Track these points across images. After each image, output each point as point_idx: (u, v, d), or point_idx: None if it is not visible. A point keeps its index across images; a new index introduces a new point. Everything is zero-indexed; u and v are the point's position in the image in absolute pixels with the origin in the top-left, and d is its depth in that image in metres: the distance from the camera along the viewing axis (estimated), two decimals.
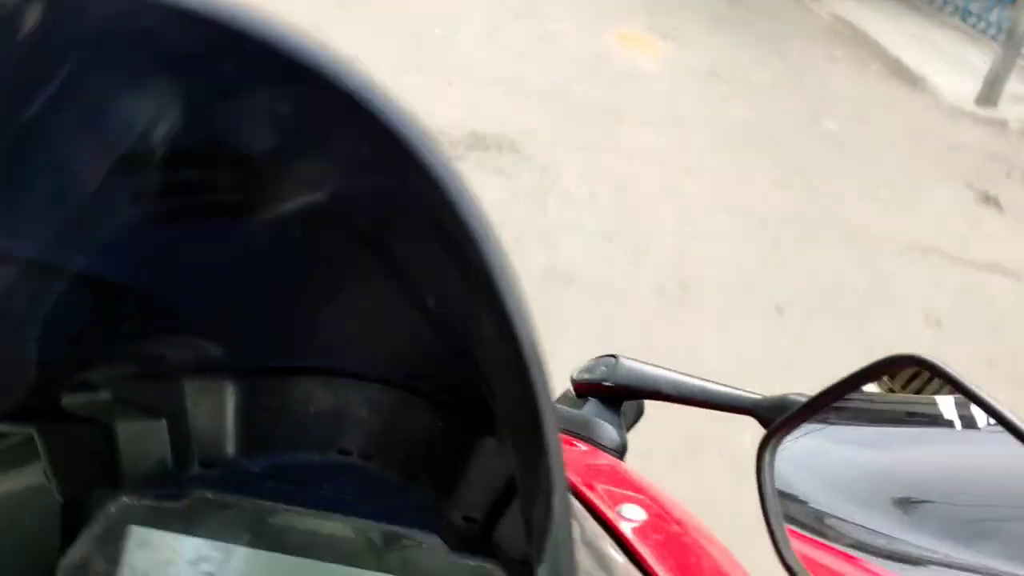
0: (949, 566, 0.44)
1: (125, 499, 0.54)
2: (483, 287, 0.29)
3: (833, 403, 0.44)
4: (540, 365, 0.29)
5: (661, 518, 0.54)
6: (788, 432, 0.46)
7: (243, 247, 0.47)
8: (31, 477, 0.57)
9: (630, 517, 0.51)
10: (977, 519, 0.45)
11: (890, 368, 0.42)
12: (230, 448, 0.60)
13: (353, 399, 0.64)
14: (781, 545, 0.44)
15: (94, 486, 0.57)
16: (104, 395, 0.58)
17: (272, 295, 0.52)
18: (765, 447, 0.46)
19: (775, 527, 0.45)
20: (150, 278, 0.49)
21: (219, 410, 0.61)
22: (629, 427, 0.68)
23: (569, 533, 0.31)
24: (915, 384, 0.48)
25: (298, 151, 0.36)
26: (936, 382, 0.45)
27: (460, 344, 0.49)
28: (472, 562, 0.54)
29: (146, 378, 0.60)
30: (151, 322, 0.54)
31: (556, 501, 0.30)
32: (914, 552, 0.46)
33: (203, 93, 0.32)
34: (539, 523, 0.34)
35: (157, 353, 0.57)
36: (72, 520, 0.56)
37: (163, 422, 0.59)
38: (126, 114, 0.33)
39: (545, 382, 0.29)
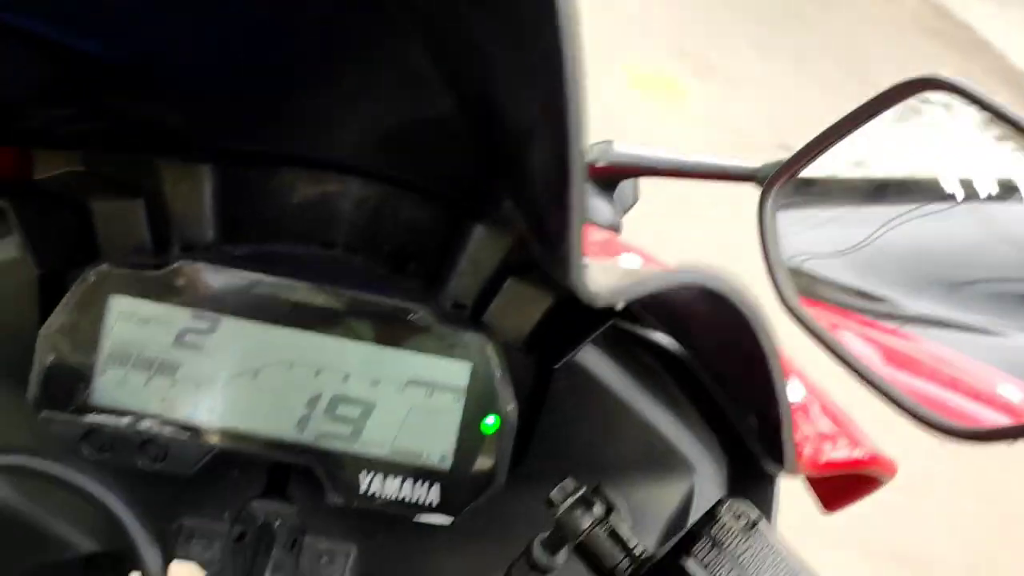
0: (939, 323, 0.44)
1: (104, 267, 0.55)
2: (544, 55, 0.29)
3: (833, 143, 0.43)
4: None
5: (660, 265, 0.55)
6: (789, 176, 0.45)
7: (238, 7, 0.45)
8: (5, 250, 0.58)
9: (628, 264, 0.52)
10: (970, 280, 0.45)
11: (904, 95, 0.40)
12: (209, 233, 0.61)
13: (337, 191, 0.65)
14: (787, 295, 0.44)
15: (72, 260, 0.58)
16: (77, 167, 0.58)
17: (259, 67, 0.52)
18: (764, 200, 0.46)
19: (780, 280, 0.45)
20: (129, 43, 0.49)
21: (197, 193, 0.61)
22: (626, 210, 0.68)
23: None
24: None
25: None
26: None
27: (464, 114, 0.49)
28: (463, 332, 0.56)
29: (119, 153, 0.60)
30: (121, 82, 0.53)
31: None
32: (907, 311, 0.46)
33: None
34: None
35: (129, 114, 0.56)
36: (51, 294, 0.57)
37: (140, 201, 0.59)
38: None
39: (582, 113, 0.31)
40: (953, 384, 0.40)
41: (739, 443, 0.57)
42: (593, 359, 0.61)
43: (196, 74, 0.53)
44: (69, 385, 0.56)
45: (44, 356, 0.55)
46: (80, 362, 0.55)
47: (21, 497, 0.62)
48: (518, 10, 0.31)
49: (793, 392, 0.44)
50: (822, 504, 0.51)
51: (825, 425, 0.44)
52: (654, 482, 0.60)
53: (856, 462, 0.44)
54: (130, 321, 0.56)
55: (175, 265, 0.55)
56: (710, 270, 0.33)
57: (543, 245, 0.44)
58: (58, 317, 0.55)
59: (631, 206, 0.69)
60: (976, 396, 0.39)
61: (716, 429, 0.60)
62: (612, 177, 0.66)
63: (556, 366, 0.60)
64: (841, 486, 0.49)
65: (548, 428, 0.61)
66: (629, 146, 0.68)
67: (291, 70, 0.53)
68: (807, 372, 0.49)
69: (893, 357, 0.41)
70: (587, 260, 0.34)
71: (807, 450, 0.40)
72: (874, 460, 0.45)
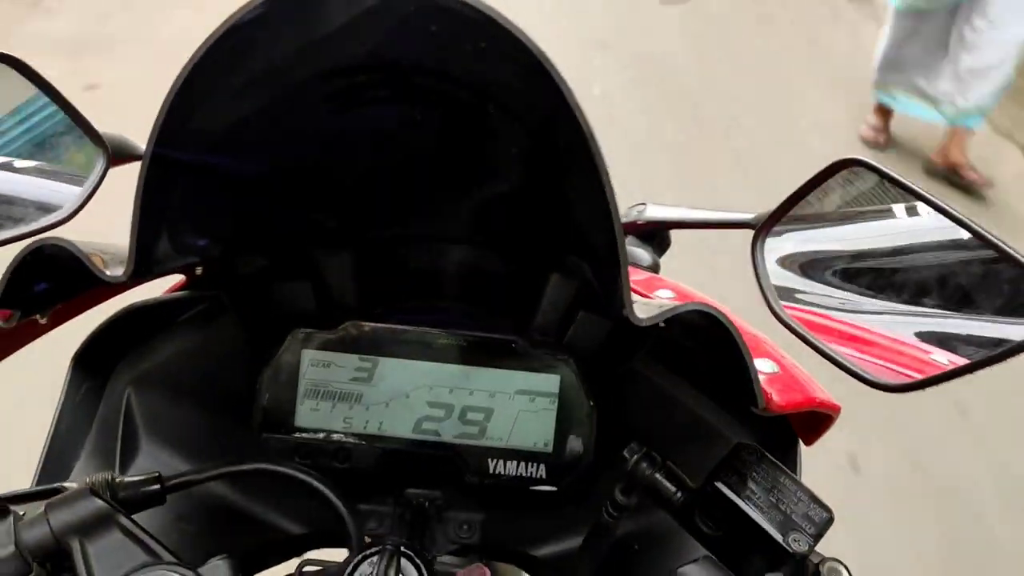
0: (889, 313, 0.64)
1: (302, 332, 0.74)
2: (582, 161, 0.47)
3: (799, 201, 0.63)
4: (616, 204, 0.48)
5: (688, 294, 0.74)
6: (772, 226, 0.65)
7: (377, 135, 0.63)
8: (225, 326, 0.76)
9: (663, 296, 0.71)
10: (908, 280, 0.64)
11: (841, 169, 0.61)
12: (354, 299, 0.78)
13: (445, 258, 0.81)
14: (775, 305, 0.63)
15: (268, 330, 0.75)
16: (264, 263, 0.75)
17: (388, 177, 0.69)
18: (757, 239, 0.66)
19: (768, 294, 0.64)
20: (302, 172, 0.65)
21: (344, 272, 0.78)
22: (661, 253, 0.88)
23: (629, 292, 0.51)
24: None
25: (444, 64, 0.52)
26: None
27: (541, 201, 0.66)
28: (550, 354, 0.75)
29: (292, 248, 0.78)
30: (290, 207, 0.71)
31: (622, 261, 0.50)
32: (866, 306, 0.65)
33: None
34: (609, 288, 0.54)
35: (295, 222, 0.74)
36: (257, 355, 0.74)
37: (307, 283, 0.77)
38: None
39: (618, 215, 0.49)
40: (884, 351, 0.59)
41: (762, 419, 0.75)
42: (648, 365, 0.76)
43: (343, 188, 0.69)
44: (280, 414, 0.73)
45: (262, 395, 0.72)
46: (286, 398, 0.73)
47: (238, 495, 0.79)
48: (578, 163, 0.49)
49: (766, 365, 0.63)
50: (804, 441, 0.69)
51: (789, 383, 0.63)
52: (702, 451, 0.71)
53: (811, 401, 0.63)
54: (318, 367, 0.73)
55: (344, 326, 0.74)
56: (704, 302, 0.53)
57: (603, 288, 0.60)
58: (272, 367, 0.73)
59: (665, 250, 0.89)
60: (899, 359, 0.59)
61: (742, 408, 0.72)
62: (649, 230, 0.86)
63: (619, 372, 0.76)
64: (807, 424, 0.68)
65: (620, 417, 0.75)
66: (658, 206, 0.88)
67: (412, 175, 0.68)
68: (786, 351, 0.69)
69: (841, 336, 0.61)
70: (634, 297, 0.53)
71: (776, 399, 0.58)
72: (823, 402, 0.64)
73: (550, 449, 0.73)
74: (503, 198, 0.71)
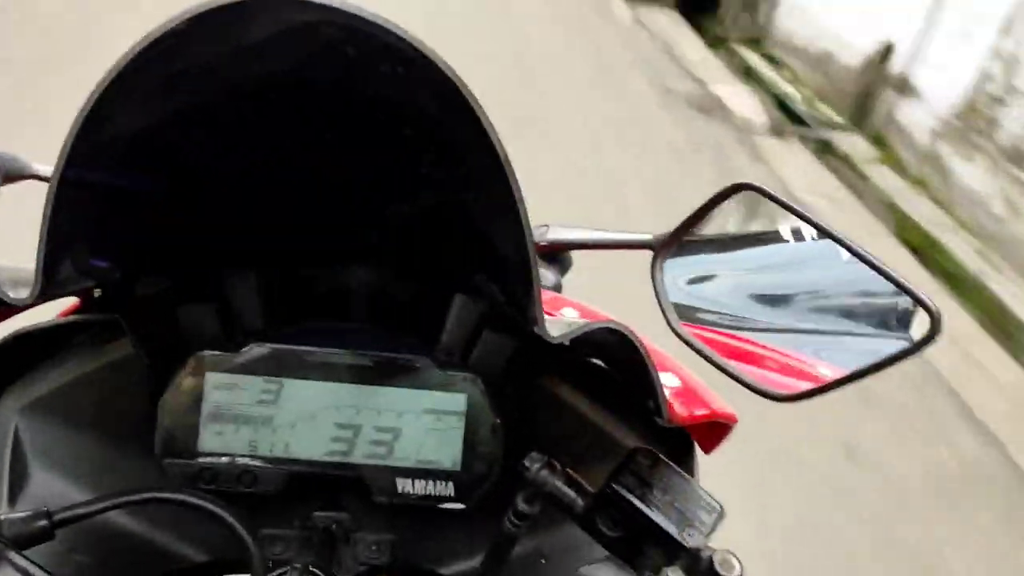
0: (780, 329, 0.68)
1: (203, 355, 0.72)
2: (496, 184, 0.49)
3: (697, 222, 0.66)
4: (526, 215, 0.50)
5: (592, 312, 0.76)
6: (671, 247, 0.68)
7: (287, 146, 0.63)
8: (122, 350, 0.74)
9: (568, 315, 0.73)
10: (796, 297, 0.68)
11: (734, 193, 0.64)
12: (259, 321, 0.77)
13: (349, 278, 0.81)
14: (673, 322, 0.66)
15: (167, 352, 0.73)
16: (165, 284, 0.74)
17: (296, 193, 0.68)
18: (656, 260, 0.69)
19: (668, 312, 0.67)
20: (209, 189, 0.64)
21: (247, 292, 0.77)
22: (563, 273, 0.90)
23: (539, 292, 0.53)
24: None
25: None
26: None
27: (451, 221, 0.67)
28: (456, 373, 0.75)
29: (194, 269, 0.76)
30: (200, 229, 0.70)
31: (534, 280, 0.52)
32: (759, 322, 0.69)
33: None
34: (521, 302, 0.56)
35: (199, 247, 0.73)
36: (158, 379, 0.72)
37: (212, 305, 0.75)
38: None
39: (529, 227, 0.51)
40: (775, 365, 0.63)
41: (661, 429, 0.74)
42: (552, 381, 0.78)
43: (249, 204, 0.68)
44: (183, 439, 0.71)
45: (163, 419, 0.70)
46: (188, 422, 0.71)
47: (136, 524, 0.77)
48: (480, 167, 0.50)
49: (669, 379, 0.66)
50: (702, 448, 0.73)
51: (690, 396, 0.66)
52: (603, 461, 0.72)
53: (712, 414, 0.66)
54: (221, 389, 0.72)
55: (248, 348, 0.72)
56: (611, 321, 0.55)
57: (514, 307, 0.61)
58: (170, 391, 0.71)
59: (567, 270, 0.92)
60: (790, 372, 0.63)
61: (643, 420, 0.75)
62: (552, 251, 0.88)
63: (524, 389, 0.77)
64: (707, 434, 0.72)
65: (525, 432, 0.76)
66: (561, 227, 0.90)
67: (320, 193, 0.68)
68: (685, 365, 0.72)
69: (736, 352, 0.64)
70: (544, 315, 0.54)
71: (679, 411, 0.61)
72: (722, 414, 0.67)
73: (458, 467, 0.74)
74: (411, 218, 0.71)
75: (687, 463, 0.73)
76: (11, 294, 0.49)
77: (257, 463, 0.72)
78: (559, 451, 0.69)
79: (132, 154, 0.55)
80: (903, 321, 0.58)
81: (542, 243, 0.88)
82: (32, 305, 0.54)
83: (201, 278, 0.75)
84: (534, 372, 0.78)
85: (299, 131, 0.59)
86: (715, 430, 0.71)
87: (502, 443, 0.74)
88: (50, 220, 0.49)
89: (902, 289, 0.58)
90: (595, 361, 0.77)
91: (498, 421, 0.73)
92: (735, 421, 0.70)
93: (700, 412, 0.64)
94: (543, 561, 0.80)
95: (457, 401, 0.74)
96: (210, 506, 0.64)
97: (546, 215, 0.86)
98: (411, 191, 0.66)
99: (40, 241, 0.49)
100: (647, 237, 0.76)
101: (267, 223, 0.72)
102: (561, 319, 0.71)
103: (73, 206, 0.51)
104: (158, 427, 0.71)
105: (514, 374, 0.77)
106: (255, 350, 0.73)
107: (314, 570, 0.59)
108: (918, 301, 0.57)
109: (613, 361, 0.62)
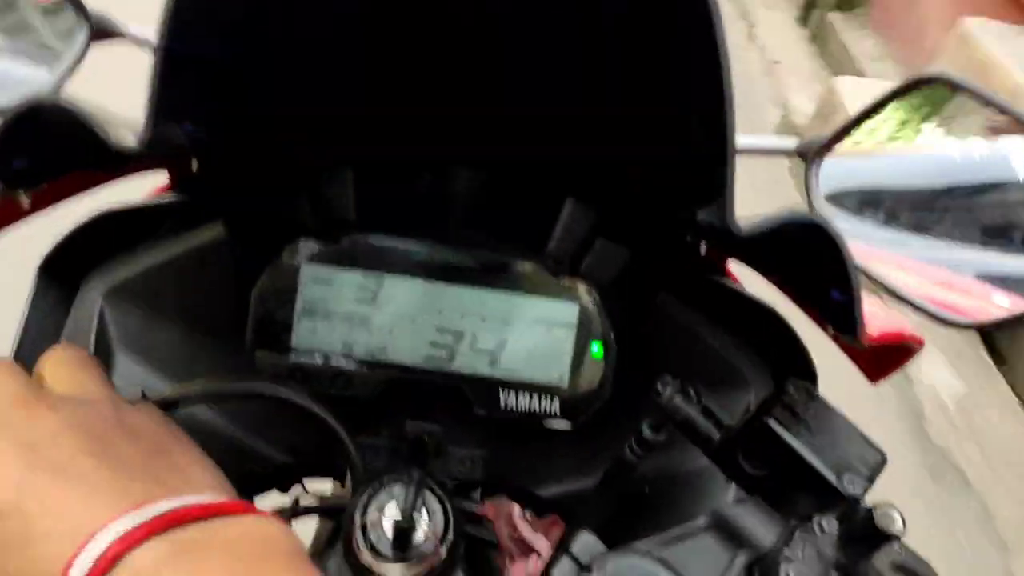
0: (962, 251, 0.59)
1: (300, 243, 0.67)
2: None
3: (862, 123, 0.57)
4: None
5: None
6: (827, 152, 0.59)
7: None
8: (214, 233, 0.70)
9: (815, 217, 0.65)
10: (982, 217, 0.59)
11: (917, 87, 0.55)
12: (354, 216, 0.72)
13: (452, 178, 0.76)
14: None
15: (263, 240, 0.69)
16: (260, 171, 0.70)
17: (390, 100, 0.63)
18: (810, 168, 0.60)
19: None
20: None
21: (343, 186, 0.72)
22: None
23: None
24: None
25: None
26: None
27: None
28: (570, 281, 0.70)
29: (290, 162, 0.71)
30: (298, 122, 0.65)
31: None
32: (934, 243, 0.60)
33: None
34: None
35: (300, 144, 0.69)
36: (248, 269, 0.69)
37: (305, 197, 0.71)
38: None
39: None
40: (952, 289, 0.55)
41: (785, 366, 0.70)
42: (667, 301, 0.72)
43: (337, 101, 0.64)
44: (276, 332, 0.67)
45: (257, 310, 0.67)
46: (283, 315, 0.67)
47: (223, 420, 0.73)
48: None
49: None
50: (868, 376, 0.65)
51: (875, 314, 0.58)
52: (722, 395, 0.68)
53: (901, 335, 0.58)
54: (318, 283, 0.68)
55: (349, 237, 0.68)
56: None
57: (696, 200, 0.55)
58: (265, 280, 0.67)
59: None
60: (967, 299, 0.54)
61: (767, 356, 0.71)
62: None
63: (640, 306, 0.71)
64: (884, 358, 0.64)
65: (640, 354, 0.71)
66: None
67: (414, 91, 0.63)
68: None
69: (911, 275, 0.55)
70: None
71: (871, 327, 0.53)
72: (910, 336, 0.59)
73: (565, 383, 0.69)
74: (510, 119, 0.64)
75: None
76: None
77: (352, 365, 0.69)
78: (675, 376, 0.63)
79: (235, 32, 0.52)
80: None
81: None
82: (129, 170, 0.50)
83: (295, 168, 0.71)
84: (651, 287, 0.72)
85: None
86: (892, 355, 0.63)
87: (614, 361, 0.69)
88: (162, 63, 0.45)
89: None
90: (724, 281, 0.70)
91: (611, 337, 0.69)
92: (922, 344, 0.62)
93: (891, 331, 0.55)
94: (646, 489, 0.74)
95: (569, 311, 0.69)
96: (315, 408, 0.60)
97: None
98: (506, 86, 0.60)
99: (152, 80, 0.46)
100: (792, 143, 0.67)
101: (371, 115, 0.67)
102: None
103: (178, 70, 0.47)
104: (251, 317, 0.67)
105: (629, 288, 0.71)
106: (356, 241, 0.69)
107: (427, 480, 0.54)
108: None
109: (794, 265, 0.55)
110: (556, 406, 0.69)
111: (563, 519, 0.77)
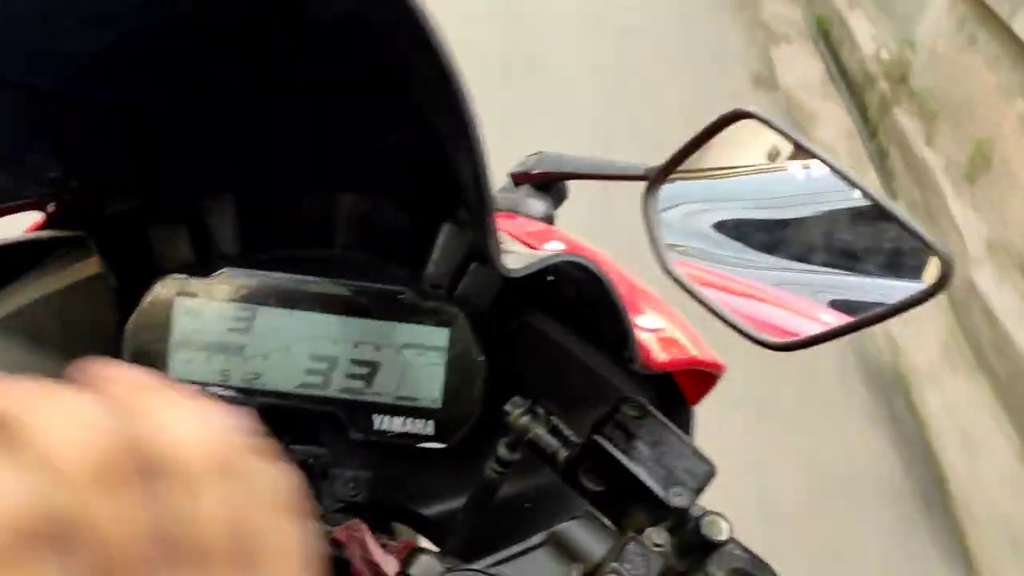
0: (780, 269, 0.63)
1: (172, 278, 0.69)
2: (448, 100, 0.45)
3: (691, 153, 0.61)
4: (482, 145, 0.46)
5: (578, 247, 0.72)
6: (664, 179, 0.64)
7: (257, 86, 0.59)
8: (90, 268, 0.70)
9: (552, 248, 0.69)
10: (798, 237, 0.64)
11: (733, 121, 0.59)
12: (236, 246, 0.74)
13: (334, 205, 0.78)
14: (664, 258, 0.62)
15: (138, 273, 0.70)
16: (137, 203, 0.71)
17: (273, 128, 0.66)
18: (648, 193, 0.64)
19: (659, 250, 0.63)
20: (181, 108, 0.61)
21: (223, 216, 0.73)
22: (557, 204, 0.86)
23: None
24: None
25: None
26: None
27: (428, 146, 0.64)
28: (440, 306, 0.72)
29: (168, 189, 0.73)
30: (175, 148, 0.67)
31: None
32: (758, 263, 0.64)
33: None
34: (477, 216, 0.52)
35: (178, 171, 0.70)
36: (126, 302, 0.70)
37: (184, 227, 0.72)
38: None
39: (483, 153, 0.47)
40: (774, 309, 0.59)
41: (656, 378, 0.74)
42: (541, 320, 0.74)
43: (215, 130, 0.66)
44: (151, 365, 0.68)
45: (129, 345, 0.68)
46: (157, 348, 0.68)
47: None
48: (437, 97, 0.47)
49: (652, 321, 0.62)
50: (688, 399, 0.69)
51: (673, 340, 0.62)
52: (595, 408, 0.67)
53: (692, 360, 0.62)
54: (191, 315, 0.69)
55: (220, 272, 0.69)
56: (574, 254, 0.51)
57: (477, 238, 0.59)
58: (139, 315, 0.68)
59: (562, 202, 0.87)
60: (789, 317, 0.59)
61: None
62: (545, 180, 0.84)
63: (512, 327, 0.73)
64: (692, 383, 0.68)
65: (512, 373, 0.73)
66: (555, 155, 0.85)
67: (289, 124, 0.66)
68: (678, 307, 0.68)
69: (733, 294, 0.60)
70: (514, 247, 0.51)
71: (659, 356, 0.57)
72: (706, 361, 0.64)
73: (438, 405, 0.71)
74: (389, 147, 0.68)
75: (681, 416, 0.70)
76: None
77: (229, 393, 0.70)
78: (548, 395, 0.67)
79: (93, 63, 0.51)
80: (911, 266, 0.54)
81: (533, 172, 0.84)
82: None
83: (175, 199, 0.72)
84: (523, 309, 0.74)
85: (254, 56, 0.56)
86: (701, 379, 0.67)
87: (485, 382, 0.71)
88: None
89: (912, 232, 0.53)
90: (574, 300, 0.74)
91: (482, 359, 0.71)
92: (721, 369, 0.66)
93: (680, 358, 0.60)
94: (527, 506, 0.77)
95: (439, 336, 0.71)
96: None
97: None
98: (379, 120, 0.63)
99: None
100: (642, 166, 0.71)
101: (244, 147, 0.69)
102: (530, 253, 0.67)
103: (25, 111, 0.48)
104: (124, 351, 0.69)
105: (502, 311, 0.74)
106: (227, 275, 0.70)
107: None
108: (928, 245, 0.52)
109: (590, 300, 0.58)
110: (430, 428, 0.71)
111: (438, 539, 0.79)
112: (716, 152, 0.61)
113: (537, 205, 0.82)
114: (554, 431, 0.62)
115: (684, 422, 0.70)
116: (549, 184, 0.84)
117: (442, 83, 0.43)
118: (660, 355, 0.57)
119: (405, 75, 0.51)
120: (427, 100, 0.51)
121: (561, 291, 0.70)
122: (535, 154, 0.86)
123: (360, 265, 0.77)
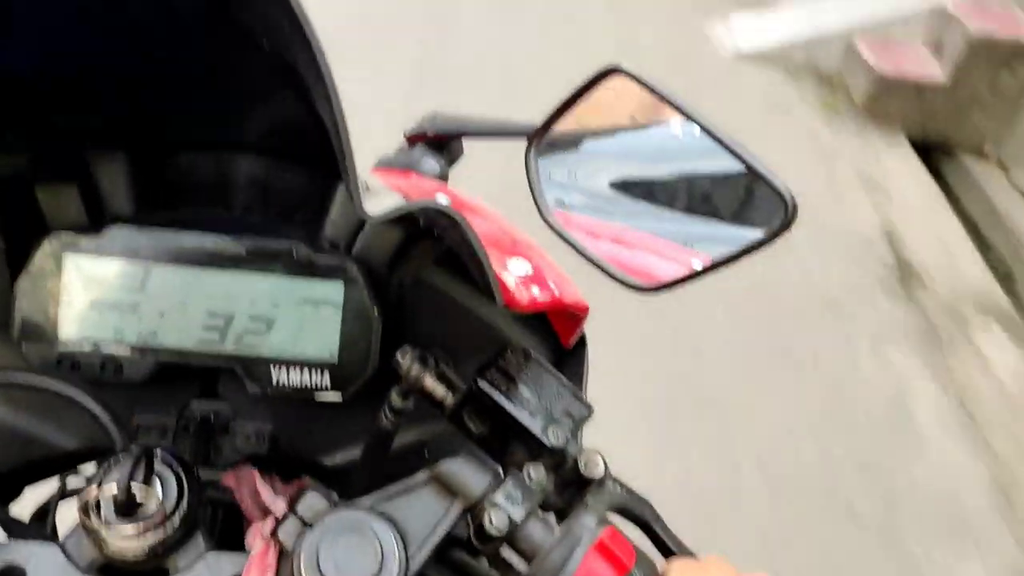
0: (649, 217, 0.67)
1: (60, 233, 0.69)
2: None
3: (568, 109, 0.65)
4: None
5: (463, 202, 0.75)
6: (543, 134, 0.67)
7: (149, 39, 0.60)
8: None
9: (441, 202, 0.72)
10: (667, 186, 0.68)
11: (604, 78, 0.63)
12: (129, 206, 0.74)
13: (231, 166, 0.78)
14: (543, 209, 0.65)
15: (28, 234, 0.70)
16: (23, 160, 0.70)
17: (168, 82, 0.65)
18: (529, 148, 0.68)
19: (540, 201, 0.66)
20: (71, 66, 0.61)
21: (118, 175, 0.74)
22: (451, 163, 0.88)
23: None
24: None
25: None
26: None
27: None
28: (333, 261, 0.74)
29: (57, 148, 0.72)
30: (61, 105, 0.66)
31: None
32: (630, 211, 0.68)
33: None
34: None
35: (68, 124, 0.69)
36: (15, 261, 0.70)
37: (74, 185, 0.72)
38: None
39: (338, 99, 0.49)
40: (644, 254, 0.63)
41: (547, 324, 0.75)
42: (435, 273, 0.76)
43: (109, 88, 0.64)
44: (42, 324, 0.69)
45: (20, 303, 0.68)
46: (47, 307, 0.69)
47: (8, 409, 0.75)
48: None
49: (520, 266, 0.65)
50: (561, 339, 0.73)
51: (540, 283, 0.65)
52: (482, 354, 0.69)
53: (555, 301, 0.65)
54: (82, 272, 0.69)
55: (110, 228, 0.70)
56: (429, 199, 0.53)
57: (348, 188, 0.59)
58: (28, 273, 0.69)
59: (456, 160, 0.90)
60: (656, 261, 0.63)
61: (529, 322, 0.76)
62: (438, 139, 0.86)
63: (407, 280, 0.75)
64: (564, 325, 0.72)
65: (408, 326, 0.75)
66: (450, 115, 0.88)
67: (188, 82, 0.65)
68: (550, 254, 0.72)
69: (607, 241, 0.64)
70: (391, 195, 0.52)
71: (522, 296, 0.60)
72: (569, 303, 0.67)
73: (335, 358, 0.73)
74: (283, 108, 0.68)
75: (576, 358, 0.73)
76: None
77: (123, 351, 0.70)
78: (440, 344, 0.69)
79: None
80: (762, 208, 0.59)
81: (428, 132, 0.86)
82: None
83: (63, 157, 0.71)
84: (418, 264, 0.76)
85: (137, 16, 0.56)
86: (570, 320, 0.71)
87: (381, 335, 0.73)
88: None
89: (760, 176, 0.58)
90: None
91: (376, 312, 0.72)
92: (585, 311, 0.70)
93: (543, 299, 0.63)
94: (427, 454, 0.80)
95: (334, 290, 0.72)
96: (70, 390, 0.62)
97: None
98: (263, 79, 0.63)
99: None
100: (526, 124, 0.74)
101: (131, 106, 0.68)
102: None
103: None
104: (15, 311, 0.69)
105: (398, 266, 0.75)
106: (116, 232, 0.70)
107: (165, 451, 0.57)
108: (773, 189, 0.57)
109: (458, 245, 0.61)
110: (327, 380, 0.72)
111: (342, 488, 0.82)
112: (594, 109, 0.65)
113: (431, 163, 0.85)
114: (441, 377, 0.65)
115: (577, 367, 0.73)
116: (442, 144, 0.87)
117: (297, 32, 0.45)
118: (523, 296, 0.60)
119: (280, 37, 0.52)
120: (296, 57, 0.52)
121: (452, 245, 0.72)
122: (430, 114, 0.88)
123: (258, 226, 0.78)
